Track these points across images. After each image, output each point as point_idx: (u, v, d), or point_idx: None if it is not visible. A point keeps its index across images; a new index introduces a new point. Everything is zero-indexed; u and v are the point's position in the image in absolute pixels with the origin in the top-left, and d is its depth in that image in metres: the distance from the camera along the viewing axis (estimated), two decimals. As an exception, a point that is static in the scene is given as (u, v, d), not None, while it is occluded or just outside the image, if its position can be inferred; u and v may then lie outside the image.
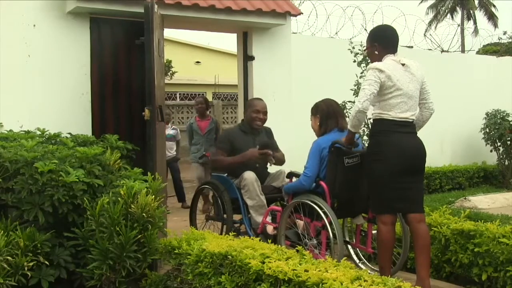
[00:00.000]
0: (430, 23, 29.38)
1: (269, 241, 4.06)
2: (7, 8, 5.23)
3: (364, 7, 8.53)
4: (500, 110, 9.17)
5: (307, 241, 4.10)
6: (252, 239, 3.44)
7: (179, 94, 21.81)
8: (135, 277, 3.63)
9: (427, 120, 4.00)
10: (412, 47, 8.91)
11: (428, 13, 32.84)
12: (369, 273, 2.74)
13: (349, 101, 6.45)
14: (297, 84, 7.02)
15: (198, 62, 23.54)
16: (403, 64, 3.79)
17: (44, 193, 3.58)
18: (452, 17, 32.19)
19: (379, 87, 3.69)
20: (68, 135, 4.75)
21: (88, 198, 3.64)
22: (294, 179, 4.50)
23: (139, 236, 3.54)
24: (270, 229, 4.54)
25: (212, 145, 7.21)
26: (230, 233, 3.90)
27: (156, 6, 4.94)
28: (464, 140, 9.60)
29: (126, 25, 5.58)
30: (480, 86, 9.69)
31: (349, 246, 4.51)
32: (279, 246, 3.34)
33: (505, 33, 24.17)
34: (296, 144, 6.51)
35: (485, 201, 7.28)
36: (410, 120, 3.80)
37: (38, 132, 4.66)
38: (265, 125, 5.11)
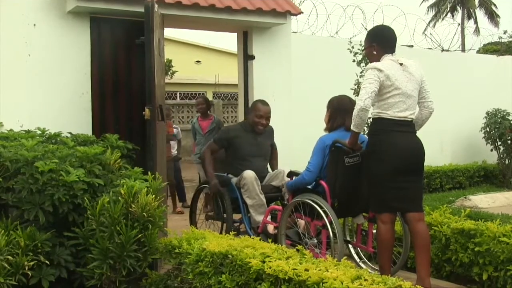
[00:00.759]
0: (430, 22, 29.36)
1: (270, 240, 4.06)
2: (7, 8, 5.23)
3: (364, 6, 8.54)
4: (500, 109, 9.17)
5: (308, 240, 4.10)
6: (253, 238, 3.44)
7: (180, 93, 21.82)
8: (135, 276, 3.63)
9: (426, 119, 4.00)
10: (412, 46, 8.91)
11: (428, 12, 32.83)
12: (370, 273, 2.74)
13: (350, 101, 6.44)
14: (297, 84, 7.03)
15: (198, 61, 23.54)
16: (401, 64, 3.80)
17: (45, 193, 3.58)
18: (453, 16, 32.17)
19: (379, 85, 3.70)
20: (68, 135, 4.75)
21: (89, 197, 3.64)
22: (294, 179, 4.50)
23: (140, 235, 3.54)
24: (271, 228, 4.54)
25: None
26: (230, 233, 3.91)
27: (156, 5, 4.94)
28: (464, 139, 9.60)
29: (126, 24, 5.58)
30: (480, 85, 9.68)
31: (350, 246, 4.51)
32: (280, 245, 3.34)
33: (505, 32, 24.11)
34: (295, 143, 6.53)
35: (485, 200, 7.28)
36: (409, 120, 3.81)
37: (39, 132, 4.65)
38: None
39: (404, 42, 8.71)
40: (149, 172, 4.02)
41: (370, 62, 3.96)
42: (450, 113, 8.93)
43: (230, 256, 3.14)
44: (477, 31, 22.01)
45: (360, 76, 6.41)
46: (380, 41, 3.92)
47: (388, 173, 3.71)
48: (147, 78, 4.74)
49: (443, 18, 31.21)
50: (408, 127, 3.81)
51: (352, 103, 4.17)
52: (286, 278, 2.75)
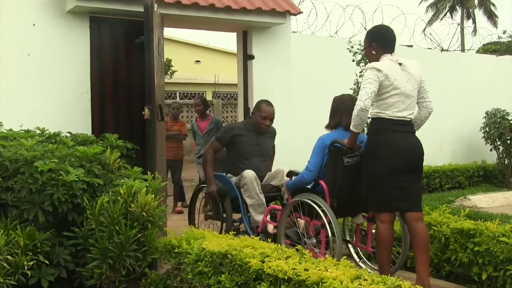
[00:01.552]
0: (429, 22, 29.37)
1: (269, 240, 4.06)
2: (7, 7, 5.23)
3: (364, 6, 8.56)
4: (500, 109, 9.17)
5: (307, 240, 4.11)
6: (252, 238, 3.44)
7: (179, 93, 21.81)
8: (135, 276, 3.63)
9: (425, 119, 4.00)
10: (412, 46, 8.91)
11: (427, 12, 32.84)
12: (369, 272, 2.75)
13: (349, 100, 6.44)
14: (296, 83, 7.03)
15: (198, 61, 23.53)
16: (400, 64, 3.80)
17: (44, 192, 3.58)
18: (452, 16, 32.19)
19: (378, 85, 3.70)
20: (68, 134, 4.74)
21: (88, 197, 3.64)
22: (294, 178, 4.50)
23: (139, 235, 3.54)
24: (270, 228, 4.54)
25: None
26: (230, 232, 3.90)
27: (156, 5, 4.94)
28: (464, 139, 9.61)
29: (125, 24, 5.58)
30: (480, 85, 9.69)
31: (350, 245, 4.52)
32: (279, 245, 3.34)
33: (504, 32, 24.18)
34: (295, 142, 6.54)
35: (484, 200, 7.28)
36: (408, 119, 3.81)
37: (38, 131, 4.65)
38: None
39: (404, 42, 8.72)
40: (148, 172, 4.02)
41: (370, 62, 3.96)
42: (450, 113, 8.93)
43: (229, 255, 3.14)
44: (475, 30, 21.98)
45: (360, 76, 6.41)
46: (379, 41, 3.92)
47: (387, 173, 3.71)
48: (147, 77, 4.74)
49: (442, 18, 31.22)
50: (407, 127, 3.81)
51: (354, 102, 4.15)
52: (286, 278, 2.75)
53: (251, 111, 6.63)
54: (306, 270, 2.74)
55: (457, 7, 32.69)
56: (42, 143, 4.22)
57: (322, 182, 4.06)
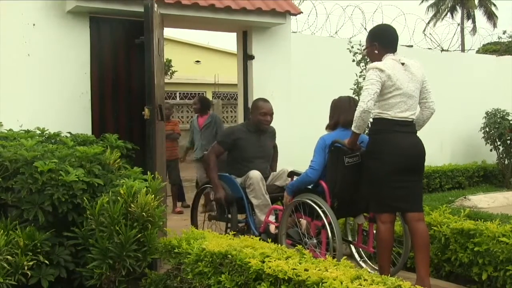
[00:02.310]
0: (430, 22, 29.36)
1: (269, 240, 4.05)
2: (7, 8, 5.22)
3: (364, 6, 8.56)
4: (500, 109, 9.17)
5: (307, 240, 4.11)
6: (252, 238, 3.43)
7: (179, 93, 21.80)
8: (135, 276, 3.63)
9: (427, 119, 4.00)
10: (412, 46, 8.91)
11: (428, 12, 32.84)
12: (370, 272, 2.74)
13: (349, 101, 6.43)
14: (296, 83, 7.03)
15: (198, 61, 23.53)
16: (402, 64, 3.79)
17: (44, 193, 3.58)
18: (452, 16, 32.19)
19: (381, 86, 3.69)
20: (68, 135, 4.75)
21: (88, 197, 3.64)
22: (295, 178, 4.49)
23: (139, 235, 3.54)
24: (272, 228, 4.54)
25: (210, 140, 7.18)
26: (230, 232, 3.90)
27: (155, 5, 4.94)
28: (464, 139, 9.60)
29: (125, 24, 5.58)
30: (480, 85, 9.69)
31: (351, 245, 4.52)
32: (280, 245, 3.34)
33: (504, 32, 24.15)
34: (295, 143, 6.53)
35: (485, 200, 7.28)
36: (410, 120, 3.81)
37: (38, 132, 4.65)
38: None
39: (404, 42, 8.71)
40: (148, 172, 4.02)
41: (371, 62, 3.94)
42: (450, 113, 8.92)
43: (229, 256, 3.14)
44: (474, 30, 21.98)
45: (360, 76, 6.40)
46: (382, 40, 3.90)
47: (388, 173, 3.71)
48: (147, 78, 4.73)
49: (443, 18, 31.23)
50: (408, 127, 3.81)
51: (351, 102, 4.17)
52: (286, 278, 2.75)
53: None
54: (306, 270, 2.74)
55: (458, 7, 32.69)
56: (42, 143, 4.22)
57: (322, 183, 4.05)
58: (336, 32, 8.21)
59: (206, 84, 22.03)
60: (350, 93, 6.42)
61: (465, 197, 7.34)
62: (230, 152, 5.04)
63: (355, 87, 6.40)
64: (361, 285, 2.54)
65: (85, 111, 5.45)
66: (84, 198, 3.62)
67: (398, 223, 4.17)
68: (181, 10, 5.71)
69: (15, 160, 3.67)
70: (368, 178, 3.86)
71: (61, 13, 5.39)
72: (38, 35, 5.31)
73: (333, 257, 3.31)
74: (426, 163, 3.97)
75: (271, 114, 5.01)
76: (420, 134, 3.96)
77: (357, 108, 3.70)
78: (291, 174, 4.58)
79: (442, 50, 9.51)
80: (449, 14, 32.49)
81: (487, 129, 9.14)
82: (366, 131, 4.49)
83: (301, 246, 3.67)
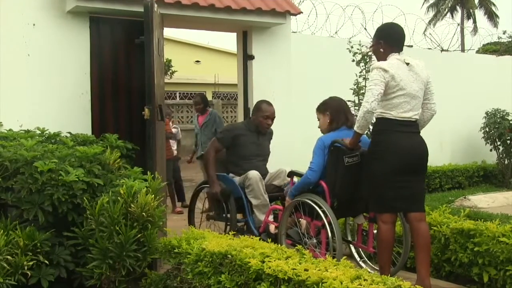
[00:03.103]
0: (430, 22, 29.37)
1: (269, 240, 4.05)
2: (7, 7, 5.22)
3: (364, 6, 8.56)
4: (499, 109, 9.17)
5: (307, 240, 4.10)
6: (252, 238, 3.43)
7: (179, 93, 21.80)
8: (135, 276, 3.63)
9: (428, 120, 3.99)
10: (412, 46, 8.91)
11: (428, 12, 32.84)
12: (370, 272, 2.75)
13: (349, 101, 6.42)
14: (296, 83, 7.03)
15: (197, 61, 23.53)
16: (407, 64, 3.76)
17: (44, 193, 3.58)
18: (452, 16, 32.19)
19: (385, 86, 3.67)
20: (68, 135, 4.75)
21: (88, 197, 3.64)
22: (295, 179, 4.49)
23: (139, 235, 3.54)
24: (272, 228, 4.54)
25: (209, 138, 7.18)
26: (229, 232, 3.90)
27: (155, 5, 4.94)
28: (463, 139, 9.60)
29: (125, 24, 5.57)
30: (479, 85, 9.69)
31: (351, 245, 4.51)
32: (280, 245, 3.34)
33: (504, 32, 24.10)
34: (295, 143, 6.53)
35: (484, 200, 7.28)
36: (413, 120, 3.79)
37: (38, 132, 4.65)
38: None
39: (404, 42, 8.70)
40: (148, 172, 4.02)
41: (377, 60, 3.93)
42: (450, 113, 8.92)
43: (229, 256, 3.14)
44: (475, 30, 21.99)
45: (359, 76, 6.41)
46: (388, 39, 3.86)
47: (390, 173, 3.69)
48: (147, 78, 4.74)
49: (443, 18, 31.23)
50: (411, 127, 3.79)
51: (344, 101, 4.26)
52: (286, 278, 2.75)
53: (251, 111, 6.63)
54: (306, 270, 2.74)
55: (458, 7, 32.69)
56: (42, 143, 4.22)
57: (322, 183, 4.05)
58: (336, 32, 8.22)
59: (206, 84, 22.03)
60: (349, 93, 6.43)
61: (465, 197, 7.34)
62: (228, 149, 5.04)
63: (355, 87, 6.40)
64: (361, 285, 2.54)
65: (85, 111, 5.45)
66: (84, 198, 3.62)
67: (398, 223, 4.16)
68: (181, 10, 5.71)
69: (15, 160, 3.67)
70: (370, 178, 3.84)
71: (61, 13, 5.39)
72: (38, 35, 5.31)
73: (333, 257, 3.31)
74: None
75: (272, 118, 5.04)
76: (420, 133, 3.96)
77: (360, 108, 3.69)
78: (291, 174, 4.58)
79: (442, 50, 9.51)
80: (449, 14, 32.48)
81: (487, 129, 9.14)
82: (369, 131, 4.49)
83: (301, 246, 3.67)
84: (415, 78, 3.77)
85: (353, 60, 6.47)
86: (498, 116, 9.07)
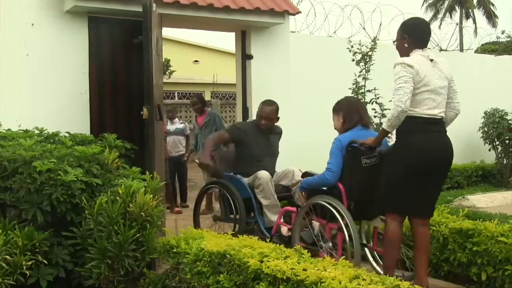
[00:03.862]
0: (430, 22, 29.35)
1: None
2: (5, 7, 5.22)
3: (362, 6, 8.53)
4: (498, 109, 9.17)
5: (323, 243, 3.96)
6: (256, 238, 3.43)
7: (178, 93, 21.78)
8: (133, 276, 3.63)
9: (451, 120, 3.87)
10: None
11: (426, 12, 32.87)
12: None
13: (348, 100, 6.42)
14: (295, 83, 7.03)
15: (196, 61, 23.51)
16: (431, 60, 3.66)
17: (43, 192, 3.58)
18: (451, 16, 32.21)
19: (413, 83, 3.54)
20: (67, 134, 4.74)
21: (87, 197, 3.64)
22: (312, 177, 4.29)
23: (138, 235, 3.54)
24: (284, 230, 4.46)
25: None
26: (229, 232, 3.89)
27: (154, 5, 4.94)
28: (462, 139, 9.58)
29: (124, 24, 5.57)
30: (478, 85, 9.68)
31: (366, 249, 4.31)
32: (294, 247, 3.28)
33: (503, 32, 24.11)
34: (293, 142, 6.52)
35: (483, 200, 7.28)
36: (439, 118, 3.67)
37: (37, 131, 4.65)
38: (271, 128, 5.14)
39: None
40: (147, 172, 4.01)
41: (400, 55, 3.77)
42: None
43: (228, 255, 3.14)
44: (475, 31, 22.01)
45: (359, 76, 6.40)
46: (413, 34, 3.72)
47: (410, 175, 3.56)
48: (145, 77, 4.74)
49: (442, 18, 31.26)
50: (438, 126, 3.67)
51: (360, 100, 4.12)
52: (284, 277, 2.75)
53: (249, 111, 6.64)
54: (304, 270, 2.74)
55: (456, 7, 32.71)
56: (41, 143, 4.22)
57: (339, 184, 3.91)
58: (334, 32, 8.21)
59: (204, 84, 22.02)
60: (349, 93, 6.42)
61: (463, 197, 7.35)
62: (238, 148, 5.10)
63: (354, 86, 6.40)
64: (359, 284, 2.55)
65: (83, 111, 5.44)
66: (83, 198, 3.61)
67: (407, 224, 4.02)
68: (179, 9, 5.71)
69: (14, 160, 3.67)
70: (388, 178, 3.69)
71: (59, 12, 5.38)
72: (37, 34, 5.31)
73: (350, 261, 3.20)
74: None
75: (266, 117, 5.03)
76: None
77: (394, 108, 3.51)
78: (305, 175, 4.47)
79: (441, 49, 9.51)
80: (448, 14, 32.51)
81: (486, 129, 9.15)
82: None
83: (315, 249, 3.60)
84: (439, 75, 3.65)
85: (353, 60, 6.47)
86: (496, 116, 9.08)
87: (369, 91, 6.35)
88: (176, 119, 8.13)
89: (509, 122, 9.05)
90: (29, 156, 3.66)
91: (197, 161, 5.19)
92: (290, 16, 6.65)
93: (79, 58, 5.44)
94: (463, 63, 9.70)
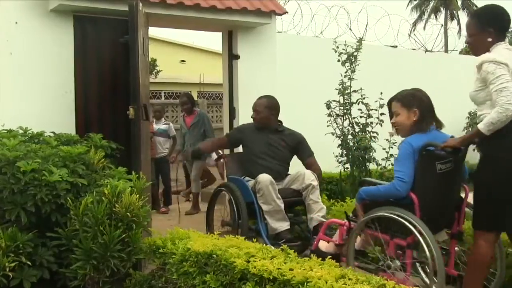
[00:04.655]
0: (414, 23, 29.60)
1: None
2: (-11, 5, 5.16)
3: (349, 6, 8.59)
4: (482, 109, 9.26)
5: (390, 263, 3.32)
6: (242, 238, 3.43)
7: (164, 93, 21.70)
8: (119, 276, 3.61)
9: None
10: (396, 46, 8.97)
11: (412, 13, 33.15)
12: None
13: (334, 101, 6.45)
14: (282, 83, 7.03)
15: (183, 61, 23.45)
16: None
17: (27, 193, 3.54)
18: (436, 17, 32.52)
19: None
20: (52, 134, 4.70)
21: (72, 197, 3.61)
22: (376, 187, 3.63)
23: (124, 235, 3.52)
24: (323, 246, 3.91)
25: (198, 140, 7.12)
26: (216, 232, 3.87)
27: (140, 4, 4.92)
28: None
29: (110, 23, 5.53)
30: (463, 86, 9.74)
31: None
32: (348, 267, 3.06)
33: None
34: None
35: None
36: None
37: (21, 131, 4.59)
38: (269, 126, 5.06)
39: (388, 43, 8.78)
40: (133, 172, 3.99)
41: (474, 53, 3.29)
42: (434, 113, 8.99)
43: (214, 256, 3.13)
44: (459, 33, 22.23)
45: (345, 76, 6.43)
46: (499, 26, 3.19)
47: (505, 184, 3.12)
48: (132, 77, 4.71)
49: (427, 19, 31.54)
50: None
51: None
52: (271, 277, 2.76)
53: (236, 110, 6.63)
54: (291, 269, 2.75)
55: (441, 9, 33.02)
56: (25, 143, 4.17)
57: (411, 194, 3.31)
58: (321, 32, 8.26)
59: (191, 83, 21.96)
60: (335, 94, 6.45)
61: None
62: (242, 150, 5.16)
63: (340, 87, 6.42)
64: (345, 284, 2.55)
65: (69, 111, 5.39)
66: (68, 198, 3.58)
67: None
68: (166, 9, 5.69)
69: (-3, 160, 3.63)
70: (477, 187, 3.26)
71: (44, 11, 5.33)
72: (20, 33, 5.25)
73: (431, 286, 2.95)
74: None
75: (253, 109, 5.10)
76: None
77: (500, 110, 3.00)
78: (363, 182, 3.87)
79: (426, 50, 9.59)
80: (433, 15, 32.81)
81: (470, 129, 9.24)
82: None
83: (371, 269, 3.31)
84: None
85: (339, 60, 6.49)
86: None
87: (355, 91, 6.37)
88: (163, 119, 8.04)
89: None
90: (13, 156, 3.62)
91: (184, 162, 5.20)
92: (277, 16, 6.66)
93: (64, 57, 5.39)
94: (448, 63, 9.80)
